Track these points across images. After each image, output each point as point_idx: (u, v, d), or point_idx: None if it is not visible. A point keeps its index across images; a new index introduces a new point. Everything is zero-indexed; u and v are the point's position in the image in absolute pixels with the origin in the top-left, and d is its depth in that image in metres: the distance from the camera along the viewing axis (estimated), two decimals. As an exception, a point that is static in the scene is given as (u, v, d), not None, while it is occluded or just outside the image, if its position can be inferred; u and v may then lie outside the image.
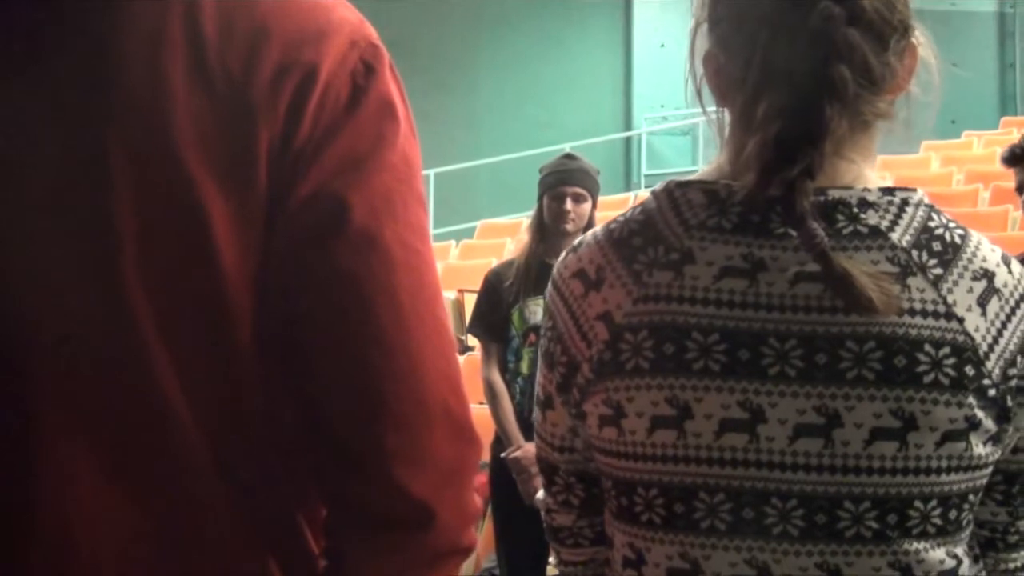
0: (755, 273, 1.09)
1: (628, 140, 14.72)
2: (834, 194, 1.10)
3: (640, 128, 14.57)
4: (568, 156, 4.14)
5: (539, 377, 1.22)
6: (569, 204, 3.87)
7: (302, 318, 0.91)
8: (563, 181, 3.92)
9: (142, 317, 0.88)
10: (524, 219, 9.02)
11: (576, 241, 1.21)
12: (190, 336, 0.90)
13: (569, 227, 3.85)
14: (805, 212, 1.06)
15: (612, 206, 9.89)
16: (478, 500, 0.97)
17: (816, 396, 1.07)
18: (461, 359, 6.34)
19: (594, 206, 3.95)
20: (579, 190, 3.90)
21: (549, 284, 1.21)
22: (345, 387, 0.91)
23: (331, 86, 0.92)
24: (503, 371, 3.98)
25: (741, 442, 1.08)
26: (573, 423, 1.20)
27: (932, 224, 1.12)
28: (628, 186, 14.14)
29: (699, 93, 1.18)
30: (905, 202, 1.12)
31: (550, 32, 13.93)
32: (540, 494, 1.34)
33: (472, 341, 6.04)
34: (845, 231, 1.09)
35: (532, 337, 3.87)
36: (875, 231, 1.09)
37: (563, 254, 1.21)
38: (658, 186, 1.17)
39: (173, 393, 0.89)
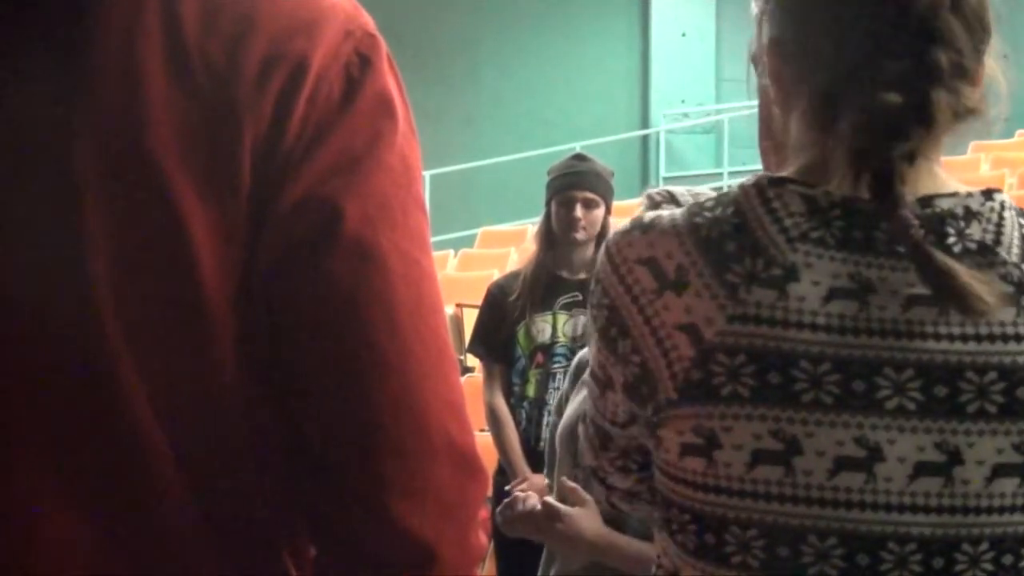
0: (865, 295, 1.10)
1: (645, 139, 14.72)
2: (942, 204, 1.12)
3: (658, 126, 14.57)
4: (578, 157, 4.13)
5: (598, 354, 1.20)
6: (579, 211, 3.87)
7: (289, 336, 0.91)
8: (572, 185, 3.92)
9: (111, 331, 0.88)
10: (530, 226, 9.02)
11: (647, 216, 1.18)
12: (164, 354, 0.90)
13: (580, 236, 3.84)
14: (901, 199, 1.08)
15: (627, 212, 9.87)
16: (483, 538, 0.97)
17: (936, 431, 1.09)
18: (461, 381, 6.31)
19: (608, 212, 3.94)
20: (590, 195, 3.89)
21: (602, 256, 1.18)
22: (337, 414, 0.91)
23: (323, 80, 0.92)
24: (507, 395, 3.97)
25: (857, 482, 1.09)
26: (633, 413, 1.19)
27: None
28: (645, 190, 14.12)
29: (768, 89, 1.20)
30: (1003, 206, 1.14)
31: (559, 20, 13.94)
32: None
33: (473, 361, 6.03)
34: (955, 248, 1.10)
35: (540, 357, 3.86)
36: (983, 247, 1.11)
37: (625, 227, 1.17)
38: (747, 180, 1.16)
39: (145, 416, 0.89)
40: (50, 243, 0.88)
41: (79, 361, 0.89)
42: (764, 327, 1.09)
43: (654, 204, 2.70)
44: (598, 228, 3.86)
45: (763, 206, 1.13)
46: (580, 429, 1.33)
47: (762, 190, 1.14)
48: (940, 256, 1.07)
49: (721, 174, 13.16)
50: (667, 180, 14.07)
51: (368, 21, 0.97)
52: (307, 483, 0.93)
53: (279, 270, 0.90)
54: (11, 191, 0.88)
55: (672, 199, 2.71)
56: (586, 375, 1.29)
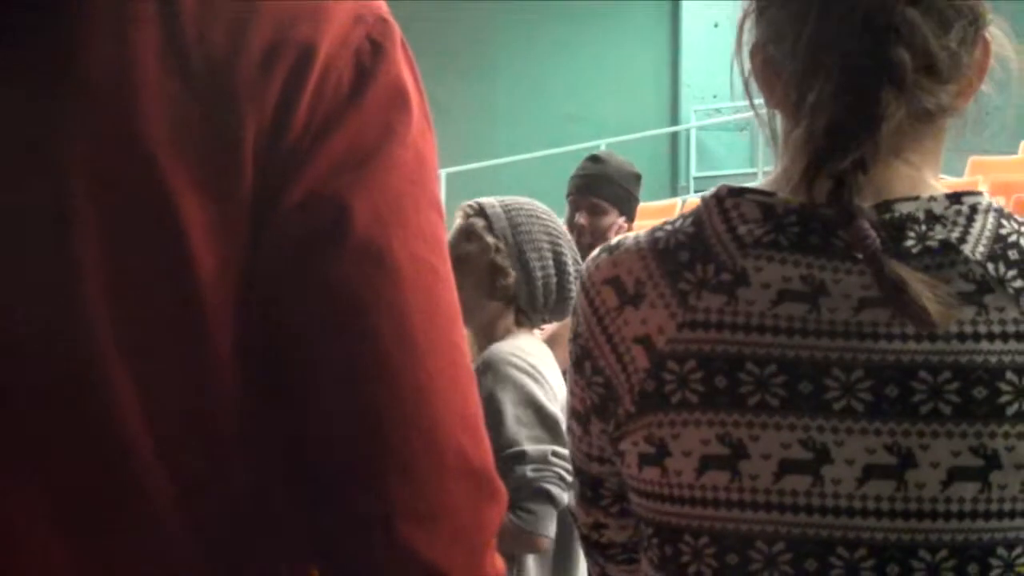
0: (816, 297, 1.13)
1: (675, 137, 14.75)
2: (901, 209, 1.14)
3: (689, 123, 14.58)
4: (593, 158, 4.07)
5: (572, 386, 1.27)
6: (583, 217, 3.84)
7: (291, 345, 0.90)
8: (578, 189, 3.89)
9: (102, 335, 0.88)
10: (551, 228, 9.01)
11: (614, 240, 1.24)
12: (158, 361, 0.89)
13: (584, 240, 3.80)
14: (855, 209, 1.11)
15: (657, 213, 9.90)
16: (499, 563, 0.97)
17: (887, 433, 1.11)
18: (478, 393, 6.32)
19: (630, 219, 3.89)
20: (596, 201, 3.85)
21: (577, 283, 1.26)
22: (341, 429, 0.90)
23: (331, 68, 0.91)
24: (529, 405, 3.95)
25: (804, 485, 1.12)
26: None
27: (1004, 231, 1.16)
28: (675, 190, 14.17)
29: (747, 88, 1.25)
30: (974, 209, 1.15)
31: (583, 8, 13.96)
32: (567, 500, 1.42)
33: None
34: (915, 250, 1.13)
35: (562, 362, 3.86)
36: (945, 245, 1.13)
37: (596, 251, 1.25)
38: (708, 192, 1.21)
39: (135, 428, 0.89)
40: (38, 245, 0.88)
41: (69, 368, 0.88)
42: (712, 331, 1.14)
43: (464, 216, 2.82)
44: (607, 236, 3.82)
45: (720, 215, 1.18)
46: (568, 494, 1.37)
47: (720, 200, 1.19)
48: (892, 265, 1.10)
49: (755, 174, 13.16)
50: (698, 180, 14.11)
51: (381, 5, 0.97)
52: (309, 501, 0.93)
53: (281, 273, 0.89)
54: None
55: (480, 212, 2.80)
56: (565, 425, 1.33)
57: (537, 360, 2.71)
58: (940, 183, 1.21)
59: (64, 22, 0.89)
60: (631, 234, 1.23)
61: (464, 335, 0.96)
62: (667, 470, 1.16)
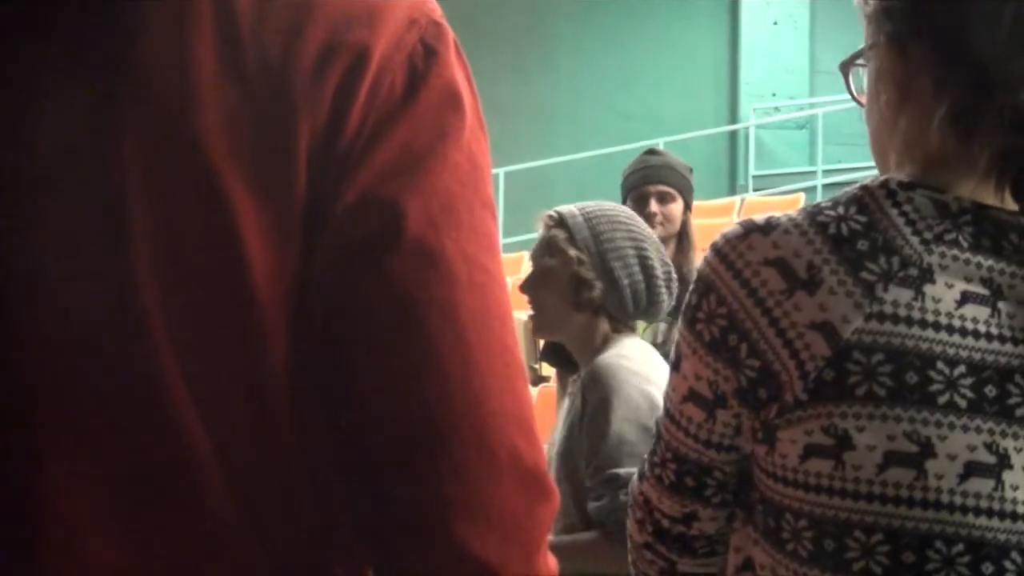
0: (995, 301, 1.14)
1: (733, 135, 14.64)
2: None
3: (748, 121, 14.48)
4: (651, 152, 4.13)
5: (698, 370, 1.23)
6: (654, 205, 3.85)
7: (346, 345, 0.90)
8: (646, 179, 3.91)
9: (157, 336, 0.88)
10: (609, 227, 8.97)
11: (760, 218, 1.21)
12: (211, 361, 0.90)
13: (657, 232, 3.82)
14: None
15: (714, 212, 9.84)
16: (552, 562, 0.96)
17: None
18: (534, 392, 6.34)
19: (688, 209, 3.93)
20: (665, 188, 3.88)
21: (713, 258, 1.21)
22: (394, 429, 0.90)
23: (385, 71, 0.91)
24: (583, 406, 3.95)
25: (986, 489, 1.13)
26: (741, 424, 1.23)
27: None
28: (733, 189, 14.06)
29: (849, 84, 1.25)
30: None
31: (641, 5, 13.90)
32: (635, 483, 1.36)
33: (548, 370, 6.01)
34: None
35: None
36: None
37: (737, 227, 1.21)
38: (871, 182, 1.20)
39: (190, 426, 0.89)
40: (93, 244, 0.88)
41: (123, 368, 0.89)
42: (902, 326, 1.13)
43: (546, 228, 2.73)
44: (677, 225, 3.85)
45: (894, 208, 1.16)
46: (643, 485, 1.33)
47: (892, 192, 1.17)
48: None
49: (815, 172, 13.06)
50: (756, 179, 14.00)
51: (435, 8, 0.97)
52: (363, 499, 0.93)
53: (335, 275, 0.90)
54: (54, 190, 0.89)
55: (561, 223, 2.71)
56: (663, 414, 1.30)
57: (641, 363, 2.62)
58: None
59: (121, 19, 0.90)
60: (777, 214, 1.20)
61: (515, 334, 0.96)
62: (843, 463, 1.15)
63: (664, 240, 3.87)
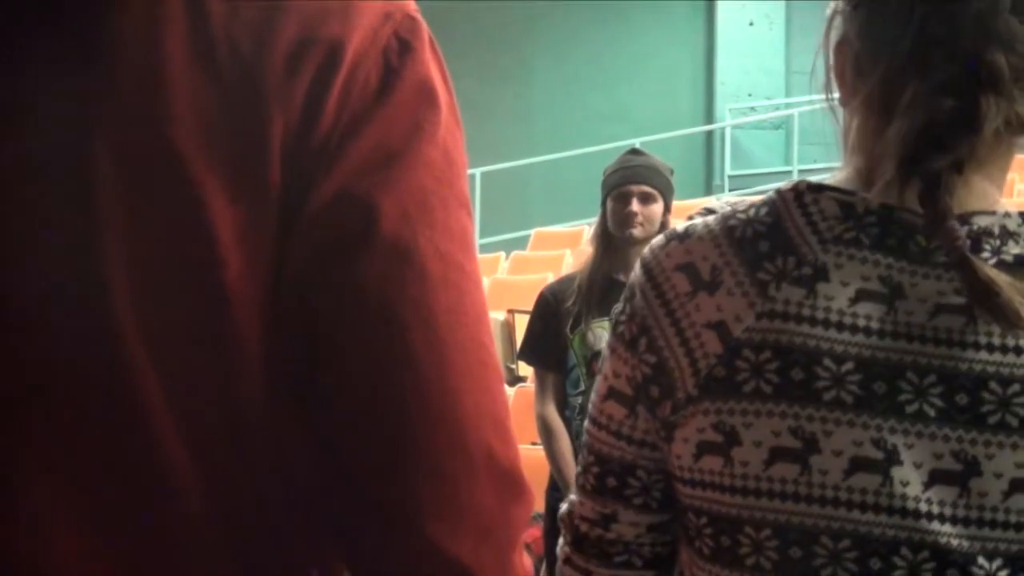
0: (893, 299, 1.14)
1: (709, 135, 14.69)
2: (979, 222, 1.16)
3: (724, 121, 14.53)
4: (634, 152, 4.15)
5: (618, 368, 1.25)
6: (635, 205, 3.87)
7: (320, 344, 0.90)
8: (627, 179, 3.92)
9: (130, 338, 0.87)
10: (586, 228, 9.01)
11: (681, 227, 1.24)
12: (186, 362, 0.89)
13: (637, 232, 3.84)
14: (948, 211, 1.12)
15: (690, 212, 9.83)
16: (527, 561, 0.96)
17: (955, 440, 1.13)
18: (511, 392, 6.36)
19: (668, 210, 3.94)
20: (647, 189, 3.90)
21: (638, 267, 1.25)
22: (368, 428, 0.90)
23: (359, 66, 0.91)
24: (561, 406, 3.97)
25: (873, 484, 1.13)
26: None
27: None
28: (709, 189, 14.12)
29: (827, 84, 1.25)
30: None
31: (617, 6, 13.92)
32: (564, 506, 1.37)
33: (525, 370, 6.03)
34: (991, 263, 1.14)
35: (596, 365, 3.85)
36: (1021, 261, 1.14)
37: (662, 237, 1.25)
38: (784, 185, 1.22)
39: (162, 425, 0.89)
40: (67, 247, 0.87)
41: (95, 367, 0.88)
42: (791, 323, 1.14)
43: None
44: (656, 225, 3.86)
45: (799, 209, 1.18)
46: (569, 503, 1.34)
47: (800, 195, 1.19)
48: (984, 268, 1.11)
49: (790, 172, 13.11)
50: (732, 179, 14.06)
51: (409, 3, 0.96)
52: (338, 501, 0.93)
53: (309, 273, 0.89)
54: (26, 193, 0.88)
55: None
56: (587, 422, 1.31)
57: None
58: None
59: (94, 23, 0.89)
60: (698, 221, 1.23)
61: (491, 333, 0.95)
62: (732, 460, 1.16)
63: (644, 241, 3.87)
